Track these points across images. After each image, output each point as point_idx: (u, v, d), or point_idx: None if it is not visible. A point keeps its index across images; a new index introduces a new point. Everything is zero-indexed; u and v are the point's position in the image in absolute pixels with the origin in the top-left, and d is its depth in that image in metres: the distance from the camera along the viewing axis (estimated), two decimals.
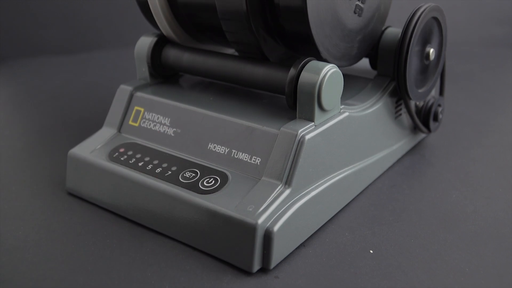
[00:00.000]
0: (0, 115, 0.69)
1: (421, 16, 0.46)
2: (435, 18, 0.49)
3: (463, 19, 1.10)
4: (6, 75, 0.87)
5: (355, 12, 0.45)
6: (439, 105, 0.55)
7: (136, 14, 0.56)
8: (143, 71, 0.51)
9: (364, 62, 0.55)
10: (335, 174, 0.43)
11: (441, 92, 0.58)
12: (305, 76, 0.40)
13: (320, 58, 0.43)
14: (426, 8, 0.47)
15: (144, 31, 0.53)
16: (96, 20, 1.03)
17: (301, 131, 0.39)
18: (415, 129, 0.56)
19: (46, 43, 0.99)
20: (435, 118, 0.55)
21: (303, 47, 0.44)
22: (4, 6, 0.97)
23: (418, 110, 0.55)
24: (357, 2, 0.45)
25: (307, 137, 0.39)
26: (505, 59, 0.97)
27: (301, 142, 0.39)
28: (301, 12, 0.40)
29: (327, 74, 0.39)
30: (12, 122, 0.67)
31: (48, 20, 1.00)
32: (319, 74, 0.39)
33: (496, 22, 1.11)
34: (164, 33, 0.50)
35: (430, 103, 0.54)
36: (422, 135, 0.59)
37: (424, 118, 0.55)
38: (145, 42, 0.50)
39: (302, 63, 0.40)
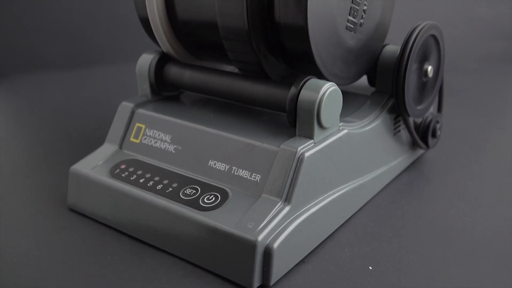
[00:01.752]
0: (1, 130, 0.69)
1: (419, 34, 0.47)
2: (433, 36, 0.50)
3: (462, 34, 1.11)
4: (7, 90, 0.88)
5: (350, 30, 0.45)
6: (437, 122, 0.56)
7: (137, 30, 0.57)
8: (145, 88, 0.51)
9: (363, 79, 0.56)
10: (334, 190, 0.43)
11: (439, 109, 0.58)
12: (304, 94, 0.40)
13: (320, 76, 0.44)
14: (424, 26, 0.48)
15: (145, 47, 0.54)
16: (97, 35, 1.04)
17: (300, 149, 0.40)
18: (413, 145, 0.56)
19: (47, 58, 0.99)
20: (434, 135, 0.56)
21: (304, 65, 0.44)
22: (5, 21, 0.98)
23: (417, 126, 0.55)
24: (361, 20, 0.45)
25: (307, 154, 0.39)
26: (504, 74, 0.98)
27: (300, 160, 0.39)
28: (302, 31, 0.40)
29: (326, 92, 0.40)
30: (13, 137, 0.67)
31: (49, 35, 1.00)
32: (318, 92, 0.40)
33: (495, 37, 1.12)
34: (164, 50, 0.51)
35: (428, 120, 0.55)
36: (421, 151, 0.59)
37: (423, 135, 0.55)
38: (147, 59, 0.51)
39: (302, 81, 0.41)
